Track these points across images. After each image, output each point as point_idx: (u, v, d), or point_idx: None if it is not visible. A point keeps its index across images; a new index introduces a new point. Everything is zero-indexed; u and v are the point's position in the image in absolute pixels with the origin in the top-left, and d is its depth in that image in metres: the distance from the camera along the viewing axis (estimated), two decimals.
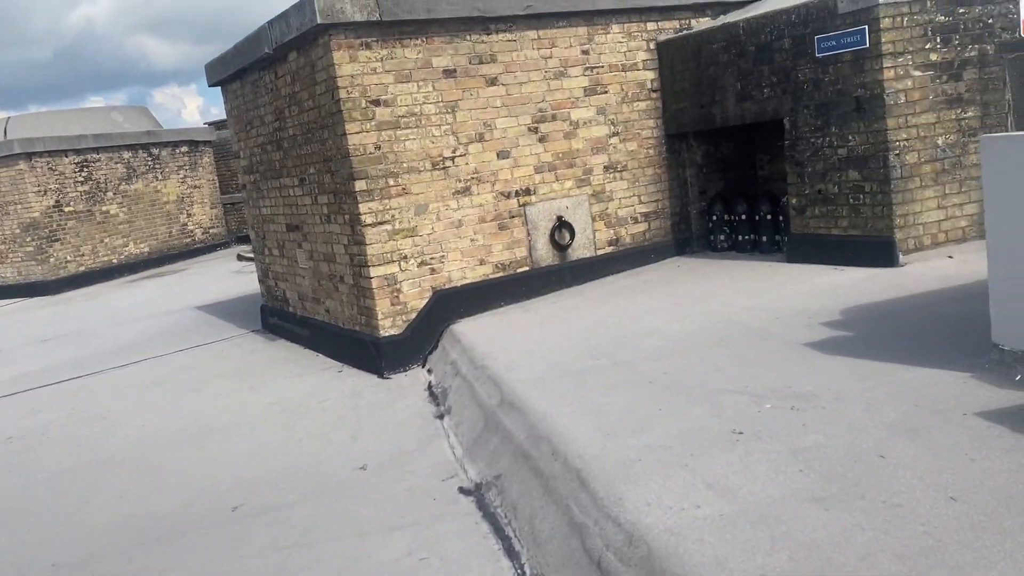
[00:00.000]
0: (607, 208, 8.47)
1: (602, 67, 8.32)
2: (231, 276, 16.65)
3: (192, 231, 22.03)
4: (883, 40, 6.52)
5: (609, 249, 8.52)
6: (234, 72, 9.15)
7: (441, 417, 6.05)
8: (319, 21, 6.83)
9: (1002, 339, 4.22)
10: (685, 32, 8.50)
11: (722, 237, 8.73)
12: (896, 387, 4.25)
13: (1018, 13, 6.71)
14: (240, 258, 19.76)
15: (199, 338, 10.34)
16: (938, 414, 3.84)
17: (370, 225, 7.23)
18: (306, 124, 7.87)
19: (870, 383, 4.36)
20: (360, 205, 7.18)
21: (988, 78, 6.74)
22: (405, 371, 7.42)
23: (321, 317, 8.62)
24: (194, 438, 6.45)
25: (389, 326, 7.40)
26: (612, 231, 8.53)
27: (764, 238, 8.25)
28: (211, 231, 22.66)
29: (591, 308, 7.26)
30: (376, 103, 7.20)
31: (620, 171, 8.51)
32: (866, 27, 6.59)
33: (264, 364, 8.59)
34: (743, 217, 8.46)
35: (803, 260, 7.47)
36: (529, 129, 7.96)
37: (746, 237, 8.47)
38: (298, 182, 8.39)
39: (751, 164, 9.17)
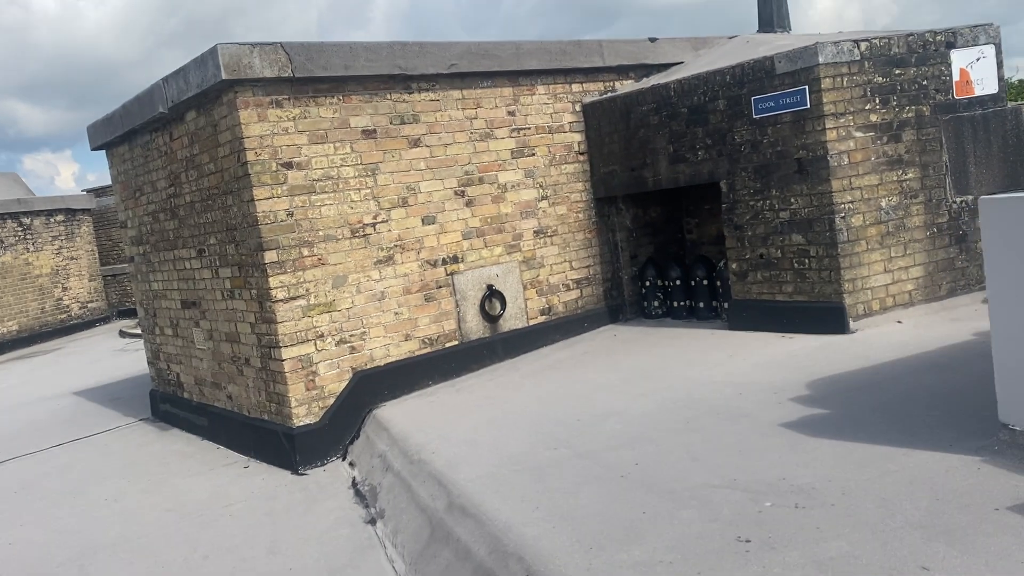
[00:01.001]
0: (538, 275, 7.95)
1: (529, 129, 7.89)
2: (113, 355, 15.27)
3: (68, 306, 20.34)
4: (824, 100, 6.32)
5: (541, 319, 7.98)
6: (122, 134, 8.27)
7: (373, 523, 5.26)
8: (223, 77, 6.12)
9: (1012, 418, 3.85)
10: (612, 94, 8.19)
11: (656, 303, 8.34)
12: (904, 476, 3.80)
13: (950, 75, 6.66)
14: (123, 334, 18.29)
15: (78, 430, 9.14)
16: (966, 510, 3.39)
17: (281, 300, 6.46)
18: (206, 190, 7.07)
19: (872, 471, 3.90)
20: (270, 279, 6.41)
21: (926, 139, 6.63)
22: (323, 465, 6.59)
23: (222, 404, 7.69)
24: (74, 559, 5.42)
25: (304, 414, 6.58)
26: (544, 299, 8.00)
27: (701, 304, 7.89)
28: (90, 305, 21.00)
29: (531, 386, 6.65)
30: (288, 166, 6.50)
31: (550, 236, 8.04)
32: (806, 87, 6.39)
33: (157, 460, 7.55)
34: (677, 282, 8.10)
35: (746, 327, 7.12)
36: (455, 193, 7.41)
37: (682, 303, 8.10)
38: (196, 254, 7.53)
39: (679, 228, 8.87)
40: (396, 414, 6.53)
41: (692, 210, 8.76)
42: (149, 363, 9.34)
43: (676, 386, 5.91)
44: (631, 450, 4.76)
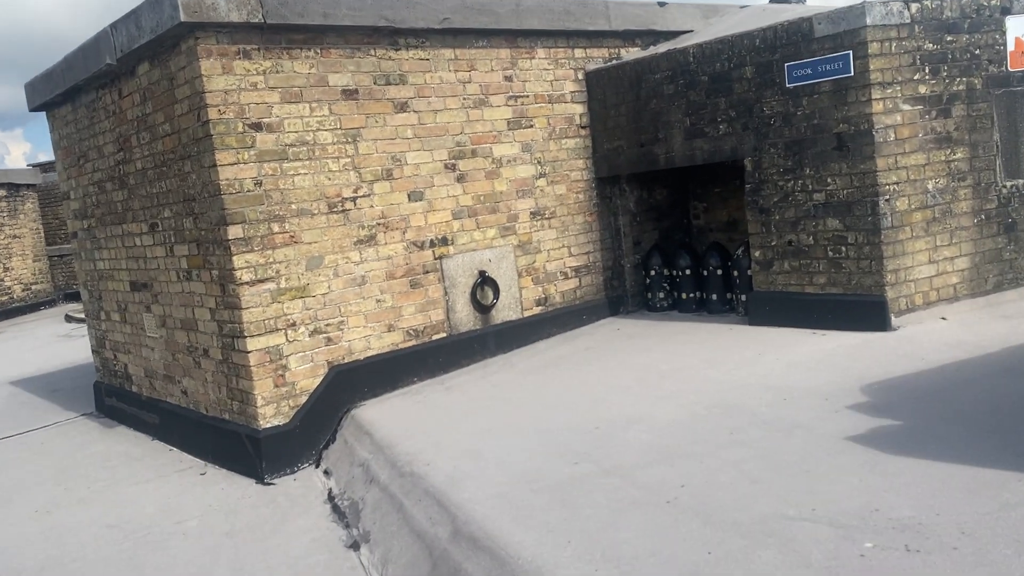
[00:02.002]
0: (535, 261, 7.14)
1: (527, 97, 7.06)
2: (57, 341, 14.15)
3: (10, 288, 19.06)
4: (871, 68, 5.60)
5: (537, 310, 7.18)
6: (64, 92, 7.27)
7: (356, 547, 4.43)
8: (182, 19, 5.20)
9: None
10: (620, 61, 7.39)
11: (661, 295, 7.58)
12: None
13: (1005, 44, 5.98)
14: (69, 319, 17.10)
15: (12, 425, 8.13)
16: None
17: (247, 283, 5.57)
18: (161, 155, 6.13)
19: (988, 503, 3.17)
20: (234, 258, 5.51)
21: (976, 115, 5.95)
22: (293, 473, 5.73)
23: (176, 400, 6.77)
24: None
25: (272, 414, 5.70)
26: (540, 288, 7.20)
27: (714, 296, 7.15)
28: (34, 288, 19.72)
29: (533, 385, 5.85)
30: (257, 127, 5.60)
31: (548, 218, 7.23)
32: (850, 52, 5.66)
33: (100, 463, 6.61)
34: (687, 272, 7.35)
35: (768, 322, 6.39)
36: (446, 166, 6.56)
37: (691, 295, 7.36)
38: (148, 228, 6.59)
39: (684, 212, 8.13)
40: (379, 416, 5.69)
41: (700, 193, 8.02)
42: (94, 352, 8.35)
43: (702, 389, 5.15)
44: (670, 467, 3.99)
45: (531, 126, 7.09)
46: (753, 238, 6.47)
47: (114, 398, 7.94)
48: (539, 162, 7.15)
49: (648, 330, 6.99)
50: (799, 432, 4.18)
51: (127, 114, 6.50)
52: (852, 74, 5.68)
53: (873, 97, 5.62)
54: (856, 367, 5.10)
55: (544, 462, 4.30)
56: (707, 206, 7.98)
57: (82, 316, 17.04)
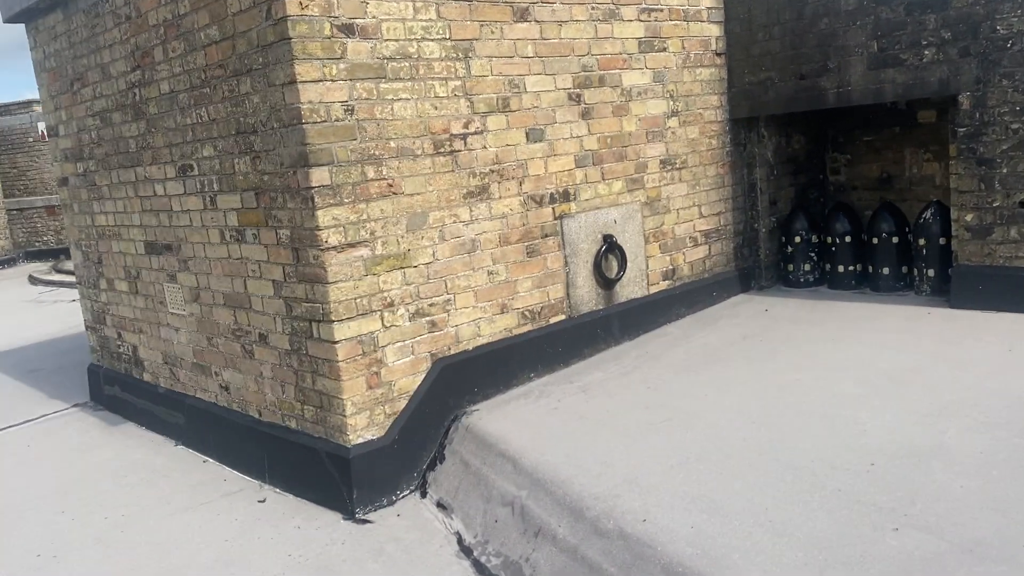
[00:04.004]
0: (663, 223, 5.68)
1: (661, 11, 5.53)
2: (24, 308, 12.39)
3: None
4: None
5: (664, 284, 5.73)
6: None
7: None
8: None
9: None
10: None
11: (807, 267, 6.17)
12: None
13: None
14: (35, 281, 15.25)
15: None
16: None
17: (335, 248, 4.03)
18: (202, 71, 4.52)
19: None
20: (318, 212, 3.96)
21: None
22: (392, 504, 4.26)
23: (210, 397, 5.23)
24: None
25: (363, 425, 4.21)
26: (668, 258, 5.74)
27: (884, 270, 5.75)
28: None
29: (697, 386, 4.42)
30: (348, 31, 4.03)
31: (679, 168, 5.75)
32: None
33: (111, 478, 5.07)
34: (845, 239, 5.94)
35: (980, 305, 5.03)
36: (569, 97, 5.04)
37: (850, 268, 5.95)
38: (176, 172, 4.98)
39: (821, 166, 6.70)
40: (508, 428, 4.21)
41: (842, 143, 6.58)
42: (89, 328, 6.72)
43: (977, 401, 3.76)
44: None
45: (664, 49, 5.57)
46: (964, 197, 5.07)
47: (117, 387, 6.35)
48: (671, 96, 5.65)
49: (809, 312, 5.58)
50: None
51: (148, 18, 4.85)
52: None
53: None
54: None
55: (840, 525, 2.88)
56: (851, 158, 6.55)
57: (50, 278, 15.22)
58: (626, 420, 4.09)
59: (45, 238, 18.88)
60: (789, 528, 2.88)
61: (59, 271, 15.73)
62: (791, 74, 5.73)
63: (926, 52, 5.07)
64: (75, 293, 13.16)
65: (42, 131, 18.71)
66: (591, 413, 4.26)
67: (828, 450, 3.45)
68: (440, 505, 4.12)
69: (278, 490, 4.59)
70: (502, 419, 4.35)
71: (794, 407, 3.97)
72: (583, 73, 5.08)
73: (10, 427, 6.33)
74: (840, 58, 5.46)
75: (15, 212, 19.09)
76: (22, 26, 6.42)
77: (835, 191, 6.68)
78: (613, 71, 5.26)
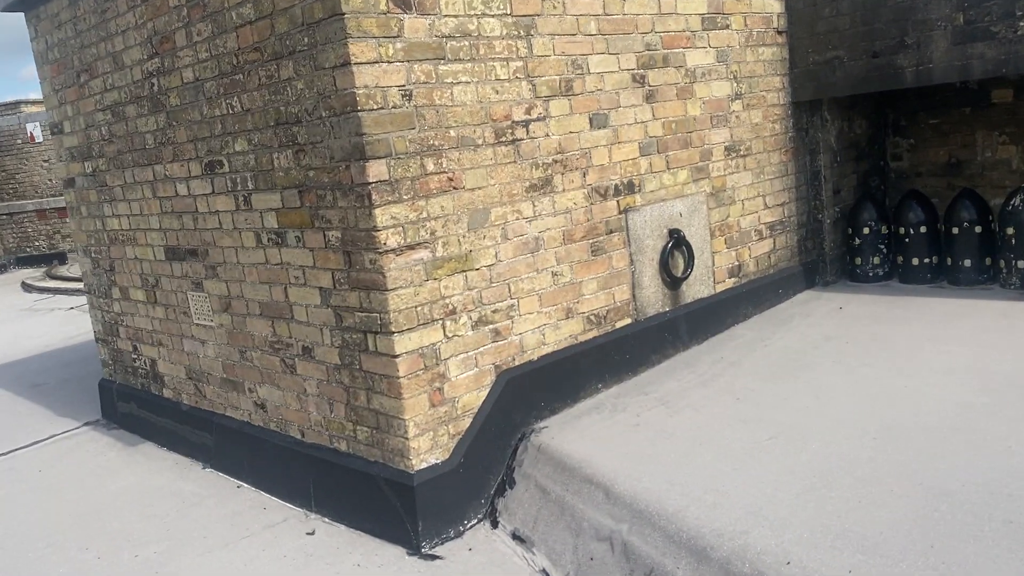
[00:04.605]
0: (728, 215, 5.24)
1: None
2: (20, 317, 11.87)
3: None
4: None
5: (730, 282, 5.29)
6: None
7: None
8: None
9: None
10: None
11: (876, 260, 5.74)
12: None
13: None
14: (28, 288, 14.69)
15: None
16: None
17: (393, 251, 3.57)
18: (233, 56, 4.04)
19: None
20: (376, 211, 3.50)
21: None
22: (460, 535, 3.81)
23: (243, 415, 4.76)
24: None
25: (427, 448, 3.75)
26: (734, 253, 5.31)
27: (965, 262, 5.34)
28: None
29: (795, 396, 3.99)
30: (405, 6, 3.56)
31: (743, 156, 5.32)
32: None
33: (137, 507, 4.60)
34: (920, 230, 5.52)
35: None
36: (634, 78, 4.59)
37: (925, 260, 5.53)
38: (202, 170, 4.50)
39: (881, 151, 6.27)
40: (588, 448, 3.77)
41: (904, 127, 6.16)
42: (99, 340, 6.23)
43: None
44: None
45: (727, 26, 5.13)
46: None
47: (132, 404, 5.88)
48: (735, 77, 5.21)
49: (888, 309, 5.16)
50: None
51: None
52: None
53: None
54: None
55: None
56: (914, 143, 6.13)
57: (45, 285, 14.66)
58: (725, 438, 3.65)
59: (37, 243, 18.30)
60: (974, 573, 2.45)
61: (53, 277, 15.18)
62: (862, 52, 5.29)
63: (1022, 24, 4.64)
64: (72, 300, 12.66)
65: (31, 132, 18.13)
66: (680, 430, 3.82)
67: (977, 472, 3.02)
68: (517, 537, 3.68)
69: (327, 520, 4.13)
70: (578, 438, 3.91)
71: (915, 420, 3.54)
72: (647, 52, 4.64)
73: (18, 449, 5.85)
74: (920, 33, 5.02)
75: (5, 217, 18.50)
76: (8, 25, 5.92)
77: (896, 178, 6.26)
78: (677, 50, 4.82)
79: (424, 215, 3.68)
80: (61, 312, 11.70)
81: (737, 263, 5.32)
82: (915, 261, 5.56)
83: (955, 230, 5.35)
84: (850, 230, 5.83)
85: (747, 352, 4.73)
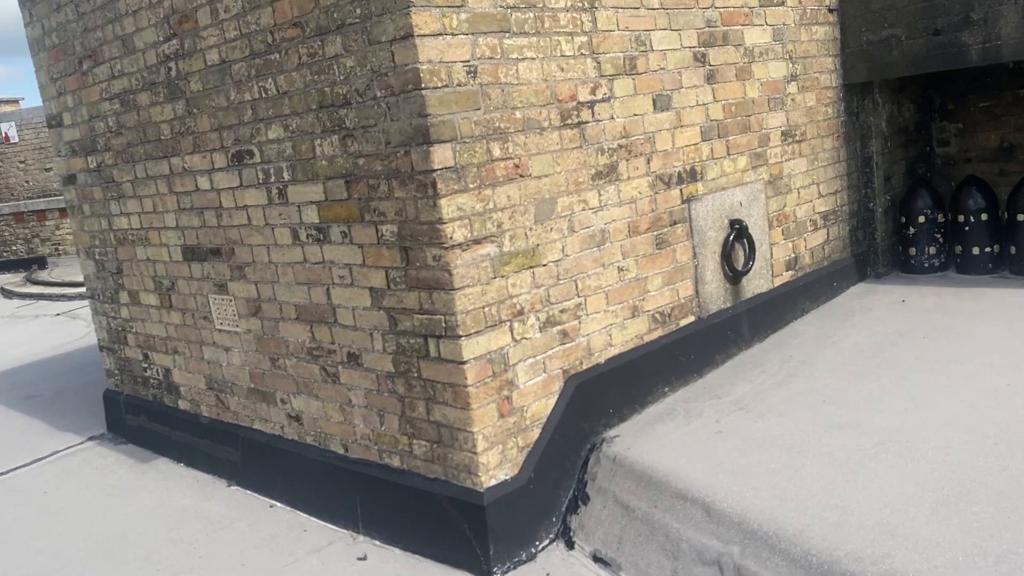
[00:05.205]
0: (784, 204, 4.93)
1: None
2: (3, 324, 11.32)
3: None
4: None
5: (787, 276, 4.98)
6: None
7: None
8: None
9: None
10: None
11: (932, 250, 5.46)
12: None
13: None
14: (8, 294, 14.08)
15: None
16: None
17: (460, 246, 3.21)
18: (267, 33, 3.66)
19: None
20: (441, 202, 3.14)
21: None
22: (532, 559, 3.47)
23: (275, 429, 4.37)
24: None
25: (496, 463, 3.40)
26: (790, 244, 5.00)
27: None
28: None
29: (888, 399, 3.68)
30: None
31: (799, 141, 5.01)
32: None
33: (163, 532, 4.19)
34: (981, 217, 5.24)
35: None
36: (695, 57, 4.26)
37: (987, 249, 5.26)
38: (228, 161, 4.11)
39: (928, 136, 6.00)
40: (672, 459, 3.43)
41: (951, 111, 5.89)
42: (104, 349, 5.80)
43: None
44: None
45: (783, 3, 4.82)
46: None
47: (143, 416, 5.46)
48: (790, 57, 4.90)
49: (956, 301, 4.87)
50: None
51: None
52: None
53: None
54: None
55: None
56: (963, 127, 5.86)
57: (27, 291, 14.07)
58: (824, 446, 3.33)
59: (14, 247, 17.66)
60: None
61: (34, 282, 14.59)
62: (922, 29, 5.00)
63: None
64: (58, 306, 12.12)
65: (6, 133, 17.50)
66: (769, 437, 3.50)
67: None
68: (599, 559, 3.33)
69: (378, 543, 3.76)
70: (658, 447, 3.57)
71: None
72: (707, 29, 4.31)
73: (19, 468, 5.41)
74: (987, 8, 4.74)
75: None
76: None
77: (943, 164, 5.98)
78: (736, 27, 4.49)
79: (491, 206, 3.32)
80: (47, 319, 11.18)
81: (794, 255, 5.01)
82: (975, 251, 5.28)
83: (1020, 217, 5.08)
84: (903, 219, 5.55)
85: (816, 350, 4.42)
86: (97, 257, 5.48)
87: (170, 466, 5.11)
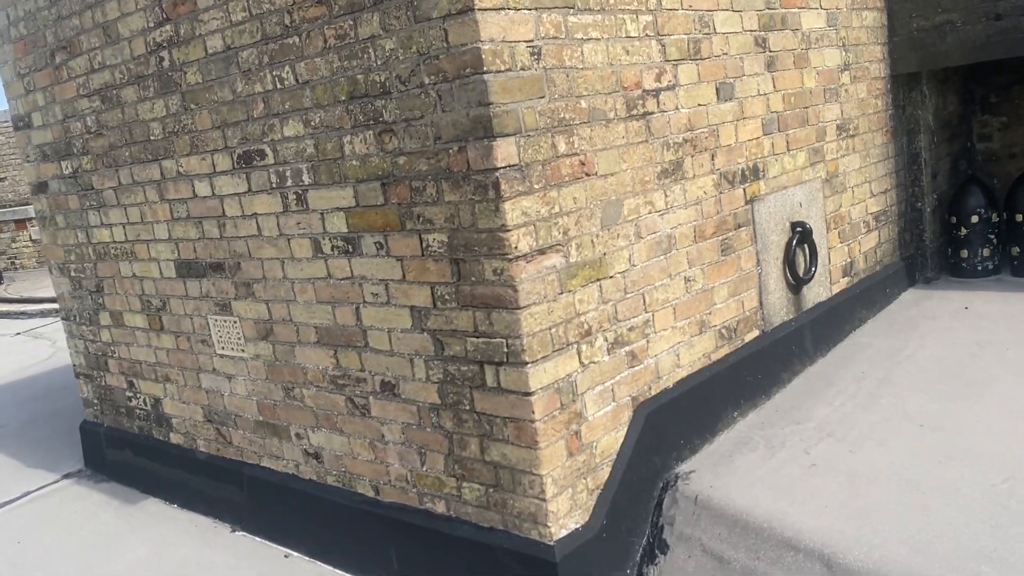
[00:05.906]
0: (840, 205, 4.52)
1: None
2: None
3: None
4: None
5: (843, 282, 4.57)
6: None
7: None
8: None
9: None
10: None
11: (985, 252, 5.09)
12: None
13: None
14: None
15: None
16: None
17: (523, 257, 2.72)
18: (281, 14, 3.14)
19: None
20: (505, 205, 2.65)
21: None
22: None
23: (288, 467, 3.84)
24: None
25: (566, 510, 2.91)
26: (846, 248, 4.59)
27: None
28: None
29: (997, 415, 3.27)
30: None
31: (852, 135, 4.60)
32: None
33: None
34: None
35: None
36: (756, 42, 3.82)
37: None
38: (233, 163, 3.58)
39: (968, 131, 5.65)
40: (769, 501, 2.97)
41: (994, 104, 5.54)
42: (81, 376, 5.20)
43: None
44: None
45: None
46: None
47: (128, 451, 4.88)
48: (843, 44, 4.49)
49: (1019, 308, 4.49)
50: None
51: None
52: None
53: None
54: None
55: None
56: (1007, 121, 5.52)
57: None
58: (944, 481, 2.90)
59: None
60: None
61: None
62: (981, 15, 4.63)
63: None
64: (18, 325, 11.37)
65: None
66: (877, 472, 3.05)
67: None
68: None
69: None
70: (746, 485, 3.11)
71: None
72: (767, 11, 3.88)
73: None
74: None
75: None
76: None
77: (984, 160, 5.63)
78: (793, 10, 4.07)
79: (556, 209, 2.84)
80: (6, 338, 10.43)
81: (849, 260, 4.61)
82: None
83: None
84: (953, 219, 5.17)
85: (890, 365, 4.00)
86: (73, 274, 4.89)
87: (162, 508, 4.54)
